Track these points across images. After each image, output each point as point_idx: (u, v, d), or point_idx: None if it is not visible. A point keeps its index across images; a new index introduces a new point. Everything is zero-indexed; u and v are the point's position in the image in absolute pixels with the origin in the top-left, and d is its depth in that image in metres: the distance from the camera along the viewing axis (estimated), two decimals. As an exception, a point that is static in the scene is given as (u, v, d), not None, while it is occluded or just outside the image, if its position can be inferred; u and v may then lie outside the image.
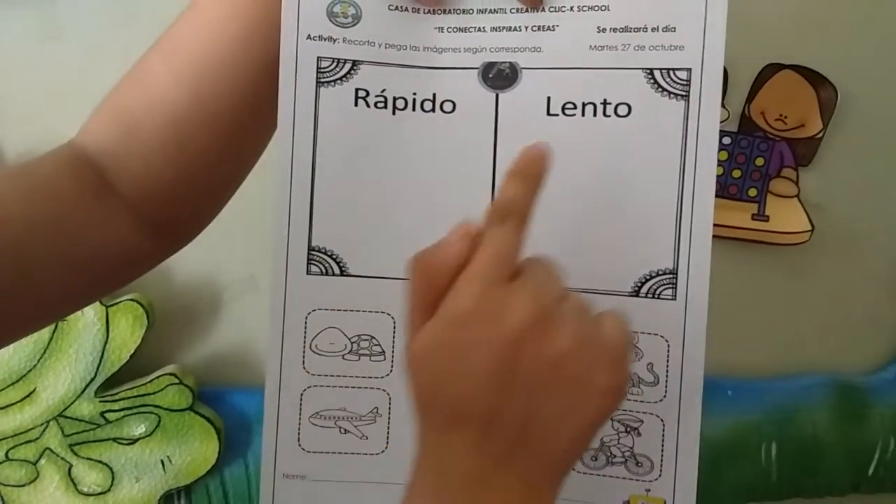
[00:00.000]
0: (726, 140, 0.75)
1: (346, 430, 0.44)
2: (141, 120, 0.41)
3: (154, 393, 0.71)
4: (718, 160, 0.75)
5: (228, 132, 0.42)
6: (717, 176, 0.75)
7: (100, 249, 0.41)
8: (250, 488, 0.74)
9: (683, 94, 0.40)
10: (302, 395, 0.43)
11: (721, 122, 0.74)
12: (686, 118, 0.40)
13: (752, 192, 0.76)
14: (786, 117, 0.75)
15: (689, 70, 0.39)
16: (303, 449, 0.44)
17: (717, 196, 0.74)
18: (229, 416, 0.74)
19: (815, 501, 0.82)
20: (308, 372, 0.43)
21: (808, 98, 0.74)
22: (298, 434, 0.44)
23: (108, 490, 0.72)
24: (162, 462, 0.72)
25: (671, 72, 0.40)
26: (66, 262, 0.39)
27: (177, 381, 0.70)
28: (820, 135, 0.75)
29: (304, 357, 0.43)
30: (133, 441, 0.71)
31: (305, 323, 0.43)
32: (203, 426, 0.71)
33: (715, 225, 0.73)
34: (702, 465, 0.76)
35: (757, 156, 0.75)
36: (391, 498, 0.44)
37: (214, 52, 0.41)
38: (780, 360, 0.81)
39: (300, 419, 0.43)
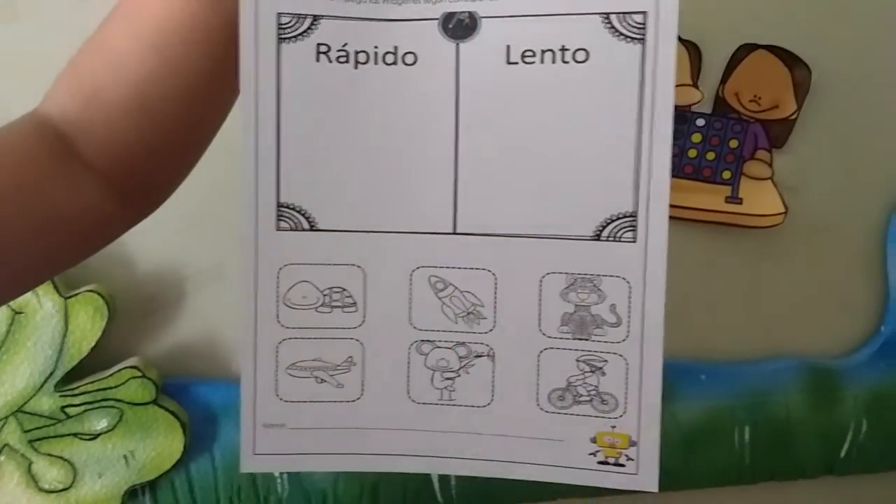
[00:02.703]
0: (700, 122, 0.74)
1: (322, 379, 0.45)
2: (103, 84, 0.41)
3: (116, 386, 0.69)
4: (692, 142, 0.74)
5: (194, 95, 0.42)
6: (691, 158, 0.75)
7: (68, 217, 0.41)
8: (217, 482, 0.72)
9: (639, 37, 0.40)
10: (278, 347, 0.45)
11: (695, 103, 0.74)
12: (643, 62, 0.40)
13: (727, 175, 0.75)
14: (760, 98, 0.74)
15: (644, 13, 0.40)
16: (281, 399, 0.45)
17: (691, 179, 0.75)
18: (194, 410, 0.72)
19: (789, 484, 0.82)
20: (282, 325, 0.44)
21: (783, 79, 0.74)
22: (276, 385, 0.45)
23: (70, 486, 0.70)
24: (125, 457, 0.70)
25: (626, 15, 0.40)
26: (34, 231, 0.39)
27: (139, 374, 0.69)
28: (794, 116, 0.75)
29: (277, 311, 0.44)
30: (95, 436, 0.70)
31: (278, 278, 0.44)
32: (167, 420, 0.70)
33: (688, 208, 0.75)
34: (675, 450, 0.77)
35: (731, 137, 0.74)
36: (367, 442, 0.46)
37: (177, 14, 0.40)
38: (754, 343, 0.81)
39: (277, 370, 0.45)
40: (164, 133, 0.42)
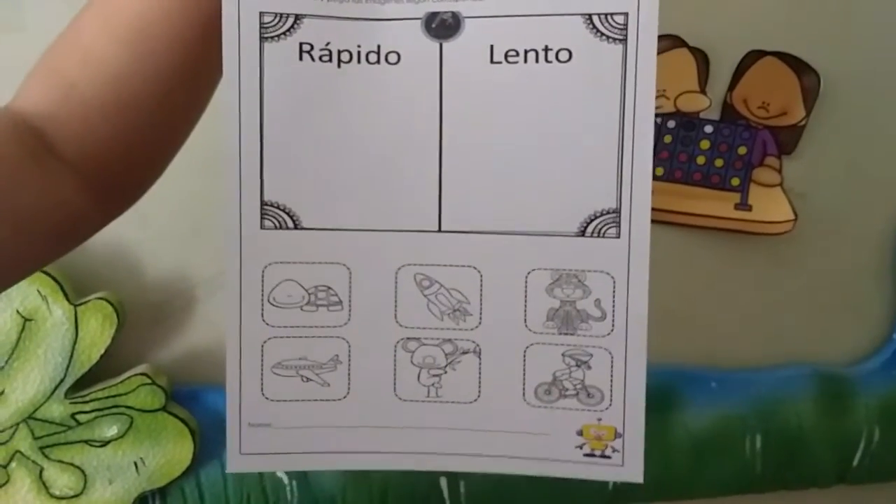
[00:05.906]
0: (708, 129, 0.74)
1: (307, 378, 0.45)
2: (77, 79, 0.41)
3: (126, 393, 0.69)
4: (700, 149, 0.74)
5: (168, 91, 0.42)
6: (700, 165, 0.74)
7: (41, 213, 0.40)
8: (227, 490, 0.72)
9: (621, 37, 0.41)
10: (263, 346, 0.45)
11: (703, 110, 0.74)
12: (624, 61, 0.41)
13: (735, 182, 0.75)
14: (768, 105, 0.74)
15: (625, 14, 0.41)
16: (266, 398, 0.46)
17: (700, 186, 0.75)
18: (204, 416, 0.72)
19: (800, 493, 0.81)
20: (267, 324, 0.45)
21: (791, 85, 0.73)
22: (262, 384, 0.45)
23: (81, 493, 0.70)
24: (135, 464, 0.70)
25: (608, 16, 0.41)
26: (7, 228, 0.39)
27: (149, 380, 0.69)
28: (803, 122, 0.74)
29: (262, 310, 0.44)
30: (105, 443, 0.70)
31: (262, 277, 0.44)
32: (177, 427, 0.70)
33: (697, 215, 0.75)
34: (686, 458, 0.77)
35: (739, 144, 0.74)
36: (354, 440, 0.46)
37: (152, 11, 0.40)
38: (764, 351, 0.80)
39: (262, 370, 0.45)
40: (140, 129, 0.42)
